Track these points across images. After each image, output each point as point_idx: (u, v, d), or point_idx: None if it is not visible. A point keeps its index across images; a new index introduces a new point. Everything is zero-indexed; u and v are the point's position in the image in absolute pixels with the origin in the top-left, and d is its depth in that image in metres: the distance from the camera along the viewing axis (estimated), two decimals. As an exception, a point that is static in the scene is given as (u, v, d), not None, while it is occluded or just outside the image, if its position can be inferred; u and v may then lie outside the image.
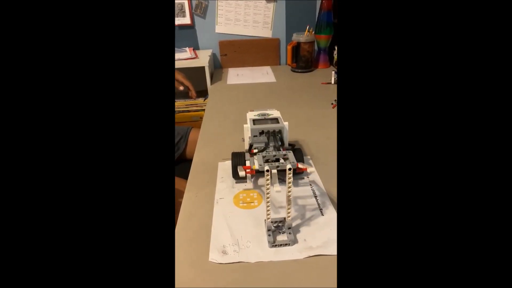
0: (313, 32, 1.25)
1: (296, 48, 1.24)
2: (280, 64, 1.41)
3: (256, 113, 0.58)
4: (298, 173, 0.60)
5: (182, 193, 0.59)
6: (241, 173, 0.48)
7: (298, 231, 0.49)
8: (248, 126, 0.56)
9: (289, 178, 0.43)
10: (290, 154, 0.44)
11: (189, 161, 0.75)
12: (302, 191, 0.58)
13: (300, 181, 0.60)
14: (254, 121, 0.57)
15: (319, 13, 1.25)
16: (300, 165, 0.47)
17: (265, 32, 1.34)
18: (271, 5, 1.29)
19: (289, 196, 0.45)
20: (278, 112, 0.59)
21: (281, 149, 0.52)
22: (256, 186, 0.59)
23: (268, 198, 0.44)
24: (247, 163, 0.54)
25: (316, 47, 1.31)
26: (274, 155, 0.45)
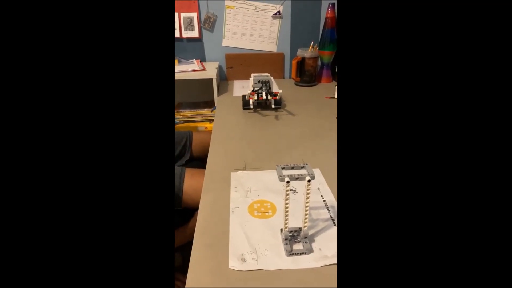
0: (317, 48, 1.30)
1: (301, 63, 1.28)
2: (284, 78, 1.45)
3: (256, 74, 1.08)
4: (277, 106, 1.05)
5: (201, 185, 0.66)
6: (247, 94, 1.02)
7: (313, 241, 0.51)
8: (251, 78, 1.06)
9: (308, 190, 0.46)
10: (308, 167, 0.47)
11: (199, 159, 1.01)
12: (314, 202, 0.60)
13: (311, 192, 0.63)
14: (255, 76, 1.06)
15: (323, 30, 1.30)
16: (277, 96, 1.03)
17: (270, 46, 1.38)
18: (277, 21, 1.34)
19: (307, 207, 0.47)
20: (268, 74, 1.07)
21: (269, 92, 1.03)
22: (256, 110, 1.06)
23: (287, 208, 0.47)
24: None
25: (319, 63, 1.35)
26: (292, 167, 0.48)
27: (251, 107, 1.04)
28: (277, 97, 1.03)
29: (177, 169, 0.84)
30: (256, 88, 1.03)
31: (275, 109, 1.05)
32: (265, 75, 1.06)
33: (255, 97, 1.01)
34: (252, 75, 1.07)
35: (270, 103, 1.03)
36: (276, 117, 1.00)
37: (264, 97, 1.01)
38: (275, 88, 1.07)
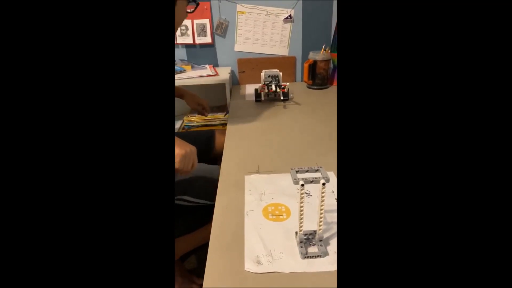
0: (329, 51, 1.30)
1: (313, 66, 1.28)
2: (295, 81, 1.45)
3: (267, 70, 1.18)
4: (285, 98, 1.19)
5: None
6: (259, 87, 1.18)
7: (328, 244, 0.51)
8: (263, 74, 1.17)
9: (323, 193, 0.46)
10: (322, 170, 0.47)
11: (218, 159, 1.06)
12: (328, 205, 0.60)
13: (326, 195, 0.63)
14: (266, 72, 1.17)
15: (334, 32, 1.30)
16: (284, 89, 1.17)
17: (282, 50, 1.39)
18: (288, 25, 1.35)
19: (322, 210, 0.47)
20: (277, 70, 1.18)
21: (278, 84, 1.14)
22: (268, 103, 1.18)
23: (301, 211, 0.47)
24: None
25: (331, 65, 1.35)
26: (307, 171, 0.48)
27: (262, 98, 1.19)
28: (285, 90, 1.16)
29: (208, 131, 1.12)
30: (266, 82, 1.15)
31: (284, 100, 1.18)
32: (275, 71, 1.18)
33: (266, 90, 1.15)
34: (263, 71, 1.19)
35: (279, 95, 1.16)
36: (285, 107, 1.13)
37: (273, 89, 1.13)
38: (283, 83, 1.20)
